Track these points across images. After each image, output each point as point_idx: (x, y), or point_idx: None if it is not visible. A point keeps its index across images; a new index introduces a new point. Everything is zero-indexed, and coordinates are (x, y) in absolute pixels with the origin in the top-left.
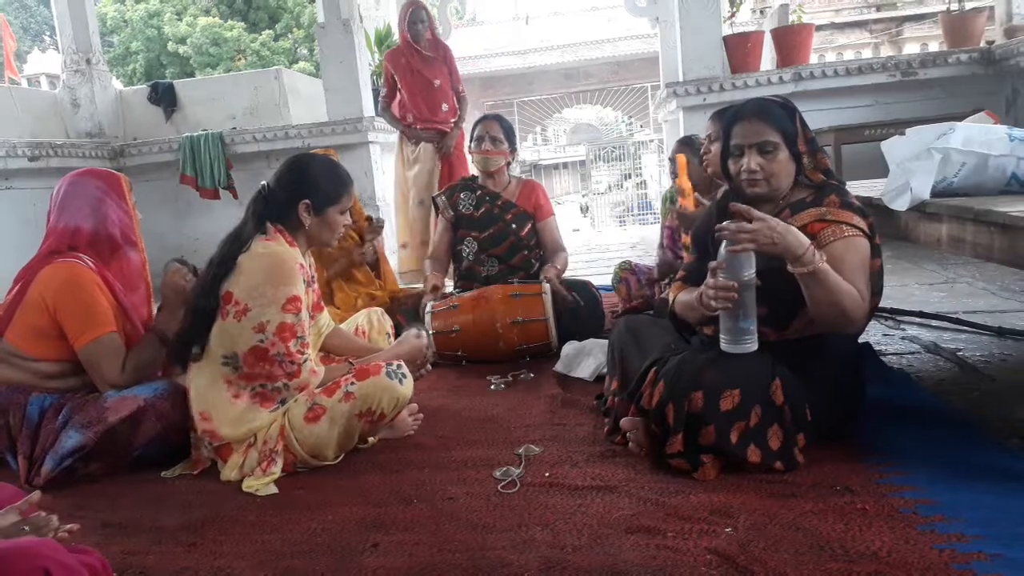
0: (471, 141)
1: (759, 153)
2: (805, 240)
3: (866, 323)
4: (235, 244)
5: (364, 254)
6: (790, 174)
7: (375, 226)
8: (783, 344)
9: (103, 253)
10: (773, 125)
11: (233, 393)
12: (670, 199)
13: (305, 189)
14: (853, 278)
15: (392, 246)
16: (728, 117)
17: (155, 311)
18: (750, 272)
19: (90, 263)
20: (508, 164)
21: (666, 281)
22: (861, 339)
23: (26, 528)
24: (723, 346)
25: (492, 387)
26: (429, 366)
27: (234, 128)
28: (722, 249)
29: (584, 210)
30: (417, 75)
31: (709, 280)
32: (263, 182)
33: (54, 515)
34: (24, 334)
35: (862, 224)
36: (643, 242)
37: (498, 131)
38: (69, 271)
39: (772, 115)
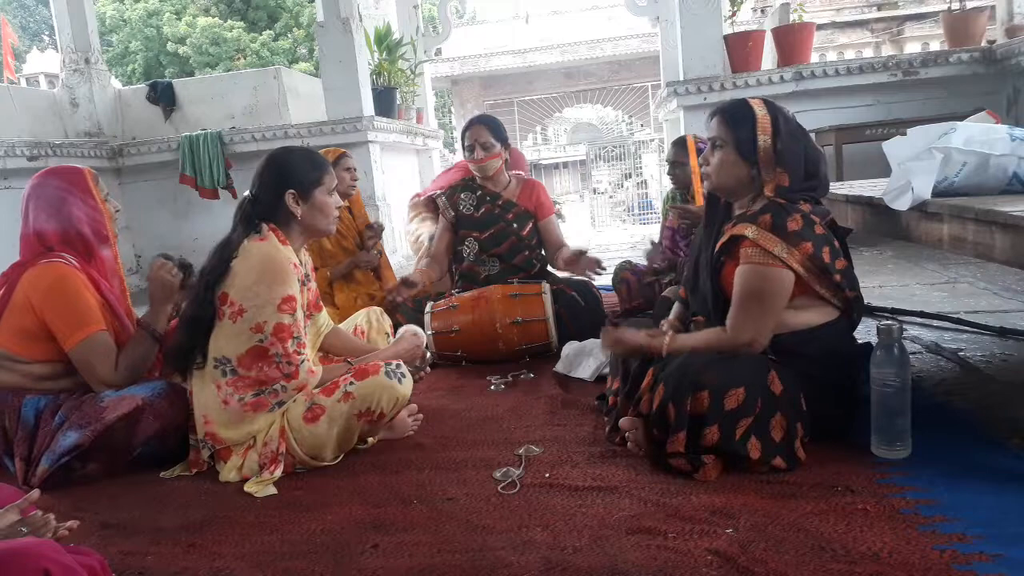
0: (463, 149)
1: (712, 147)
2: (644, 340)
3: (765, 342)
4: (225, 250)
5: (369, 261)
6: (734, 177)
7: (376, 229)
8: (772, 342)
9: (79, 252)
10: (726, 123)
11: (222, 399)
12: (672, 199)
13: (286, 180)
14: (734, 305)
15: (392, 246)
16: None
17: (139, 312)
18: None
19: (74, 262)
20: (506, 161)
21: (667, 280)
22: (862, 340)
23: (24, 529)
24: (875, 450)
25: (492, 387)
26: (428, 368)
27: (233, 128)
28: (881, 352)
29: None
30: None
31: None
32: (246, 193)
33: (51, 514)
34: (13, 337)
35: (783, 253)
36: (643, 242)
37: (487, 135)
38: (54, 272)
39: (730, 114)
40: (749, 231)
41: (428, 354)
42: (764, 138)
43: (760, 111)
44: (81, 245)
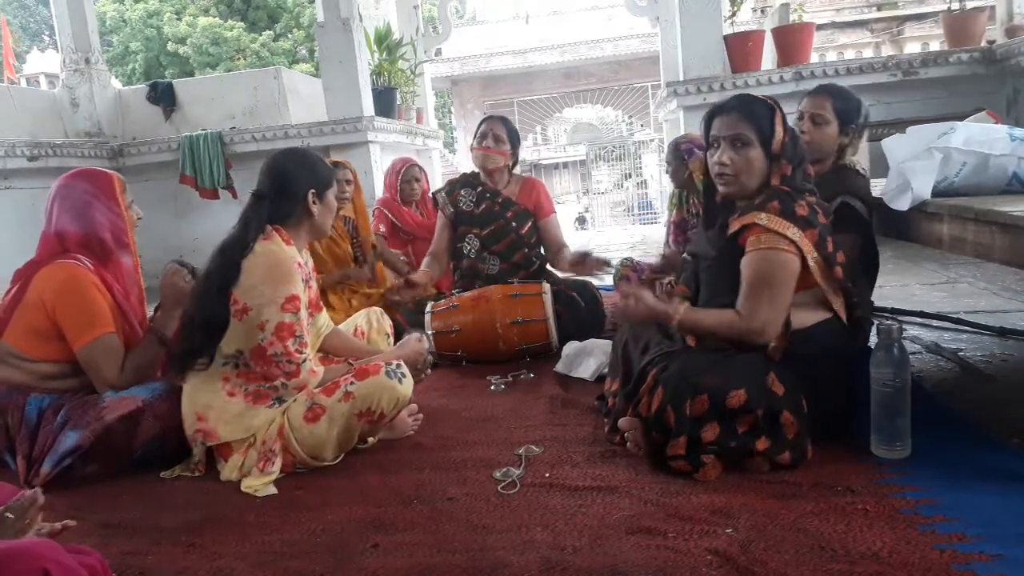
0: (474, 138)
1: (731, 146)
2: (661, 306)
3: (783, 332)
4: (237, 252)
5: (360, 276)
6: (761, 174)
7: (378, 252)
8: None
9: (96, 256)
10: (750, 120)
11: (228, 391)
12: (677, 197)
13: (308, 180)
14: (745, 292)
15: None
16: (711, 110)
17: (150, 312)
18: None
19: (88, 264)
20: (508, 167)
21: (667, 280)
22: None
23: (10, 515)
24: (875, 450)
25: (492, 387)
26: (429, 370)
27: (233, 128)
28: (881, 352)
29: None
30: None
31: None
32: (253, 190)
33: (38, 490)
34: (23, 335)
35: (796, 235)
36: (644, 242)
37: (502, 131)
38: (68, 272)
39: (751, 110)
40: (760, 218)
41: (429, 357)
42: (780, 130)
43: (772, 103)
44: (99, 249)
